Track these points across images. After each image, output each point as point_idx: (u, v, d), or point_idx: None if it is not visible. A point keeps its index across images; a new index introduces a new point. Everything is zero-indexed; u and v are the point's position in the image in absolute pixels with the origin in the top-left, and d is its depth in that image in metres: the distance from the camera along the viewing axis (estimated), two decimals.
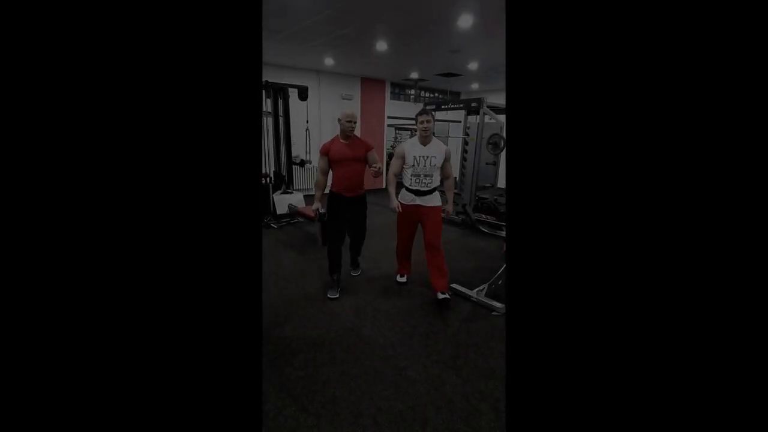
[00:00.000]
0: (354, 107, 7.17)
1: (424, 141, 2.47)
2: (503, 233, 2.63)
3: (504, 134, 4.49)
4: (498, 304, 2.47)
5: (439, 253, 2.59)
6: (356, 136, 2.55)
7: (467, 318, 2.40)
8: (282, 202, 4.70)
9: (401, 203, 2.54)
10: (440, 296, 2.50)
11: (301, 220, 4.75)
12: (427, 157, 2.46)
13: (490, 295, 2.60)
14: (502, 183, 5.47)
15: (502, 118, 4.62)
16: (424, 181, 2.50)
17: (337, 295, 2.64)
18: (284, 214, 4.69)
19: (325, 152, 2.51)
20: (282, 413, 1.54)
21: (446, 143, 3.06)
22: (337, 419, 1.52)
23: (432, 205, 2.53)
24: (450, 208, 2.64)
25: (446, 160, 2.51)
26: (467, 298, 2.64)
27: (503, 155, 4.69)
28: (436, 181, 2.53)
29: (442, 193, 2.65)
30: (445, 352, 2.01)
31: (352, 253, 3.00)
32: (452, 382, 1.77)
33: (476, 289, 2.65)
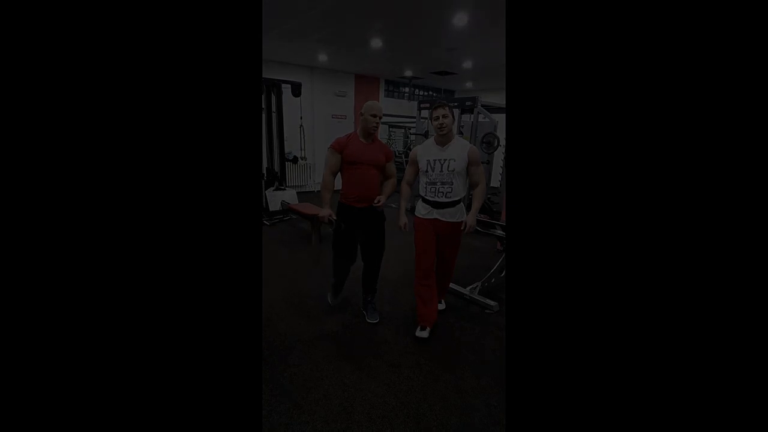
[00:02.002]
0: (347, 104, 7.14)
1: (442, 141, 1.95)
2: (497, 231, 2.62)
3: (498, 133, 4.52)
4: (491, 302, 2.50)
5: (447, 280, 2.30)
6: (377, 138, 2.11)
7: (461, 315, 2.41)
8: (275, 198, 4.67)
9: (417, 218, 2.08)
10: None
11: (294, 216, 4.72)
12: (444, 160, 1.93)
13: (483, 293, 2.62)
14: (495, 182, 5.51)
15: (497, 117, 4.65)
16: (441, 190, 1.96)
17: (338, 302, 2.44)
18: (277, 211, 4.66)
19: (339, 149, 2.01)
20: (276, 410, 1.54)
21: None
22: (331, 415, 1.52)
23: (452, 220, 2.00)
24: (471, 219, 1.95)
25: (472, 163, 1.95)
26: (461, 295, 2.65)
27: (497, 154, 4.72)
28: (459, 191, 1.98)
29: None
30: (439, 349, 2.02)
31: (365, 289, 2.32)
32: (446, 378, 1.78)
33: (470, 287, 2.66)
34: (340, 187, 2.12)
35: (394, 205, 2.13)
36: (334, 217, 2.06)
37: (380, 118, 2.01)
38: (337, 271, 2.27)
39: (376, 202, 2.01)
